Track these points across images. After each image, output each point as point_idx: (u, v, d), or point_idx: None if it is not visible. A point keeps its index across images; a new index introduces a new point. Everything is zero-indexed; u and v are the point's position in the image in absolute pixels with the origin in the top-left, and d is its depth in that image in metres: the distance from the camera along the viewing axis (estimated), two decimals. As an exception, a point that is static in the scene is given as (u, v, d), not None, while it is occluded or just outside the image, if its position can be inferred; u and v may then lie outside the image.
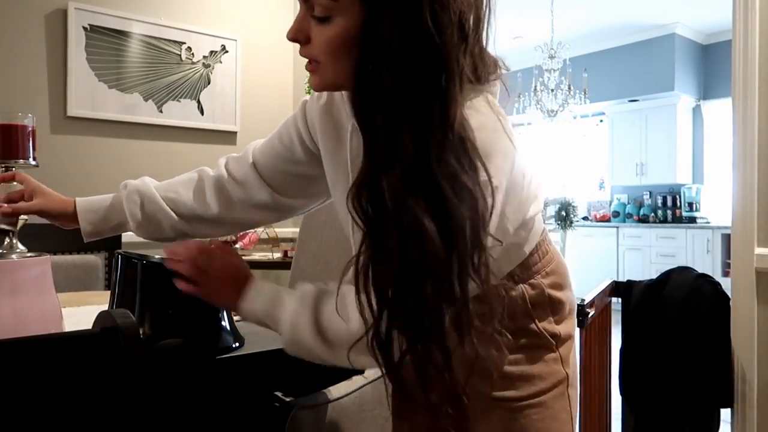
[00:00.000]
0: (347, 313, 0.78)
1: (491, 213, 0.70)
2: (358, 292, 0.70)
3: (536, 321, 0.88)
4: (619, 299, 2.20)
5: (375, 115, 0.70)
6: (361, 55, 0.71)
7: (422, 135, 0.67)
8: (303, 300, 0.83)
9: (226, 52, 3.39)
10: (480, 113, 0.75)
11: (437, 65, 0.68)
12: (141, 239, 1.12)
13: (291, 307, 0.83)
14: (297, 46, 0.80)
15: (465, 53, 0.71)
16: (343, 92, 0.90)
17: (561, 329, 0.91)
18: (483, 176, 0.69)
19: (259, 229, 3.31)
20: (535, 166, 0.89)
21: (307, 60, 0.79)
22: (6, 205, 1.02)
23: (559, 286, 0.92)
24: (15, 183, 1.05)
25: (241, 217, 1.09)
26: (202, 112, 3.32)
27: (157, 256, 1.06)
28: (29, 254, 1.01)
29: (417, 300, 0.67)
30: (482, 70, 0.78)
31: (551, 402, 0.90)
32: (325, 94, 0.96)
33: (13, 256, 0.99)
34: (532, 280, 0.89)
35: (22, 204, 1.03)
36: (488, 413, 0.90)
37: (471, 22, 0.72)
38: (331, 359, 0.82)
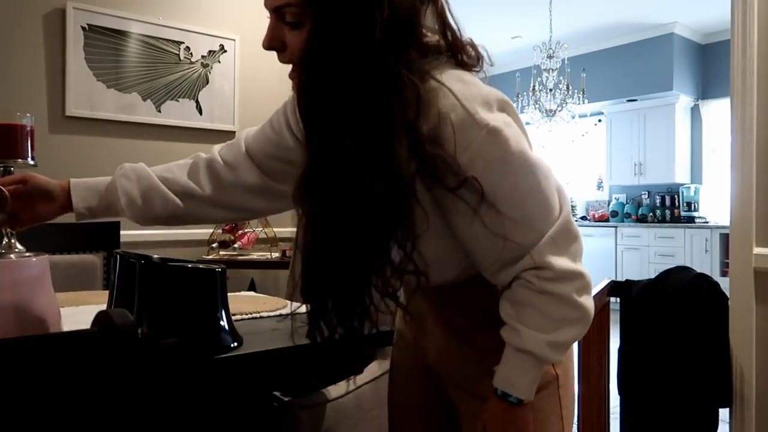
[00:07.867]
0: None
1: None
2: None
3: None
4: (618, 299, 2.20)
5: (315, 110, 0.79)
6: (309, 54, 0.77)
7: (350, 124, 0.75)
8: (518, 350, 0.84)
9: (225, 51, 3.38)
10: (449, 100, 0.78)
11: (369, 57, 0.75)
12: (140, 239, 1.12)
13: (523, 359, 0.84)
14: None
15: (409, 44, 0.77)
16: None
17: None
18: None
19: (258, 229, 3.31)
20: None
21: (291, 68, 0.83)
22: None
23: None
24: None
25: (234, 201, 1.09)
26: (200, 112, 3.31)
27: (155, 256, 1.06)
28: (28, 254, 1.01)
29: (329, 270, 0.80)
30: (460, 54, 0.84)
31: (538, 404, 0.89)
32: None
33: (12, 255, 0.99)
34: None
35: (6, 184, 0.99)
36: (475, 413, 0.89)
37: (409, 17, 0.77)
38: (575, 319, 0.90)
